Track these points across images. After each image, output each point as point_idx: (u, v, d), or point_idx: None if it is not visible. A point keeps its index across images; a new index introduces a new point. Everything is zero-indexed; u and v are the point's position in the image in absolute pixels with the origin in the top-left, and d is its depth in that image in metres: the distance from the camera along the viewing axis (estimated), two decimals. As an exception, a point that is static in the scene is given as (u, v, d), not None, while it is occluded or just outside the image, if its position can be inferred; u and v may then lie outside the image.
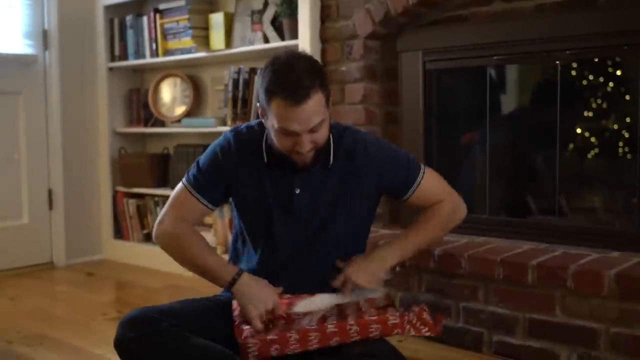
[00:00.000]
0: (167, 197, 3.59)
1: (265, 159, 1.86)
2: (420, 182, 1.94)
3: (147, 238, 3.73)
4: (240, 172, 1.88)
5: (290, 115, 1.68)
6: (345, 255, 1.95)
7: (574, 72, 2.51)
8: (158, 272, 3.43)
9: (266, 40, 3.16)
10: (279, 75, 1.69)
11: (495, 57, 2.57)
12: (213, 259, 1.86)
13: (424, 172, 1.96)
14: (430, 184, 1.98)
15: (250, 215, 1.92)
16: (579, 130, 2.54)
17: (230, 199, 1.98)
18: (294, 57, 1.75)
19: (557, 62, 2.44)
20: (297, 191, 1.85)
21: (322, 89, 1.71)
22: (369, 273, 1.87)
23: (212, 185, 1.89)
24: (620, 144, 2.48)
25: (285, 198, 1.86)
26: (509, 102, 2.78)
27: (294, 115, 1.68)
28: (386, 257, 1.93)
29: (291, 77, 1.67)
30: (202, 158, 1.91)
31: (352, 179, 1.89)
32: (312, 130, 1.72)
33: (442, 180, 2.05)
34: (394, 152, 1.99)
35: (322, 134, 1.76)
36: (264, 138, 1.86)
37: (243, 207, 1.92)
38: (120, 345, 1.73)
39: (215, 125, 3.37)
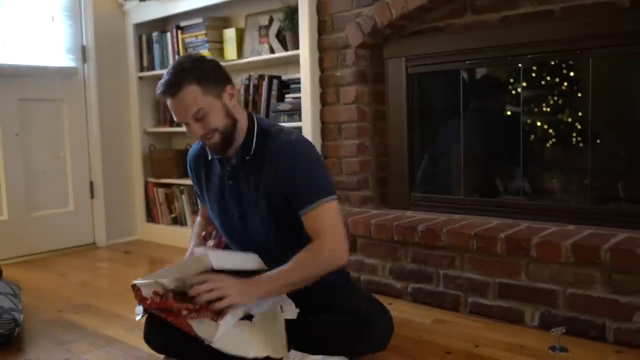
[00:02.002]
0: (190, 186, 3.63)
1: (209, 157, 1.90)
2: (315, 208, 1.70)
3: (175, 221, 3.74)
4: (199, 174, 1.96)
5: (171, 107, 1.72)
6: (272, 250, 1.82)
7: (534, 74, 2.51)
8: (184, 249, 3.43)
9: (272, 51, 3.15)
10: (164, 75, 1.72)
11: (467, 62, 2.56)
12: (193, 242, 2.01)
13: (326, 202, 1.71)
14: (324, 216, 1.71)
15: (211, 207, 1.96)
16: (539, 123, 2.54)
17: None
18: (178, 59, 1.77)
19: (520, 65, 2.44)
20: (230, 182, 1.84)
21: (197, 82, 1.67)
22: (240, 292, 1.64)
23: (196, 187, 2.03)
24: (574, 134, 2.48)
25: (223, 189, 1.87)
26: (479, 100, 2.78)
27: (173, 107, 1.71)
28: (259, 288, 1.67)
29: (166, 75, 1.70)
30: None
31: (257, 175, 1.78)
32: (197, 119, 1.70)
33: (338, 221, 1.73)
34: (307, 168, 1.76)
35: (213, 121, 1.71)
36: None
37: (208, 200, 1.97)
38: (148, 338, 1.79)
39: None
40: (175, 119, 1.73)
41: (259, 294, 1.66)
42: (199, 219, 2.13)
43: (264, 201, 1.78)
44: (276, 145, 1.77)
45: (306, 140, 1.84)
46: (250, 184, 1.80)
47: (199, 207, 2.13)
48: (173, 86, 1.68)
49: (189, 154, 2.00)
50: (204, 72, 1.71)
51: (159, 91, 1.72)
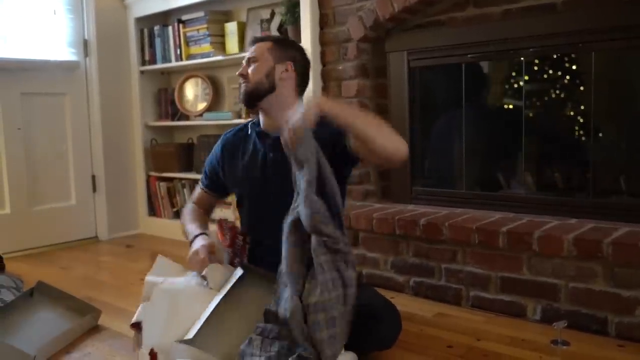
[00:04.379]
0: (192, 180, 3.62)
1: (249, 131, 2.03)
2: None
3: (176, 215, 3.73)
4: (231, 155, 2.03)
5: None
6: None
7: (536, 67, 2.50)
8: (185, 243, 3.42)
9: (274, 44, 3.14)
10: None
11: (469, 56, 2.55)
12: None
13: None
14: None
15: (241, 185, 2.02)
16: (540, 117, 2.52)
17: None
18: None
19: (522, 58, 2.43)
20: (271, 154, 1.93)
21: (271, 42, 1.94)
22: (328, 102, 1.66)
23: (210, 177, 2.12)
24: (576, 128, 2.47)
25: (265, 163, 1.95)
26: (481, 94, 2.77)
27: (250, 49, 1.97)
28: (344, 107, 1.74)
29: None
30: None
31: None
32: (249, 61, 1.92)
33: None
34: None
35: (253, 70, 1.90)
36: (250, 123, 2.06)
37: (236, 181, 2.03)
38: None
39: (232, 118, 3.36)
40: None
41: (346, 109, 1.69)
42: (191, 205, 2.17)
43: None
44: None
45: None
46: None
47: (197, 193, 2.19)
48: (260, 38, 1.99)
49: (225, 135, 2.11)
50: (285, 44, 1.98)
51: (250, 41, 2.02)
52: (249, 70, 1.91)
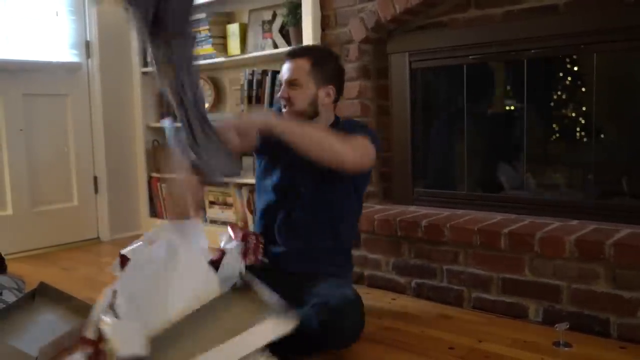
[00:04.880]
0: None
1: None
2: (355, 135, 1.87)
3: (178, 216, 3.73)
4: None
5: (283, 66, 1.96)
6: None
7: (538, 69, 2.49)
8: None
9: (275, 46, 3.14)
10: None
11: (470, 57, 2.55)
12: None
13: (365, 136, 1.89)
14: (360, 138, 1.87)
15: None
16: (542, 118, 2.52)
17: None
18: (318, 46, 2.10)
19: (524, 60, 2.43)
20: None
21: (312, 62, 1.91)
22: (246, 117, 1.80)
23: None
24: (577, 129, 2.47)
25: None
26: (482, 95, 2.77)
27: (285, 65, 1.95)
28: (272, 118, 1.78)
29: (295, 47, 2.07)
30: None
31: None
32: (290, 85, 1.92)
33: (370, 149, 1.88)
34: (362, 125, 2.13)
35: (297, 97, 1.91)
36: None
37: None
38: None
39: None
40: (280, 74, 1.97)
41: (280, 123, 1.74)
42: None
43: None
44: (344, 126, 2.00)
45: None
46: None
47: None
48: (296, 53, 1.96)
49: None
50: (323, 60, 1.96)
51: (286, 53, 1.99)
52: (291, 97, 1.92)
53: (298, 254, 1.96)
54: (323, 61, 1.95)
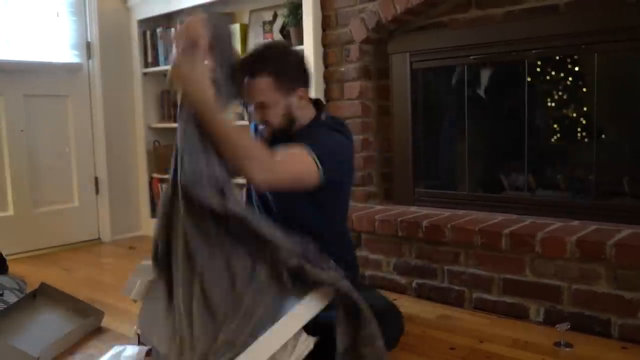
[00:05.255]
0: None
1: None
2: (294, 147, 1.73)
3: (179, 216, 3.73)
4: None
5: (245, 85, 1.77)
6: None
7: (538, 69, 2.49)
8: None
9: (276, 46, 3.14)
10: (248, 52, 1.83)
11: (471, 57, 2.55)
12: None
13: (305, 150, 1.71)
14: (293, 152, 1.71)
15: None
16: (543, 119, 2.52)
17: None
18: (267, 43, 1.86)
19: (525, 60, 2.43)
20: None
21: (274, 75, 1.75)
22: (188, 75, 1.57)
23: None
24: (578, 129, 2.47)
25: None
26: (483, 96, 2.77)
27: (247, 86, 1.77)
28: (204, 94, 1.58)
29: (250, 56, 1.80)
30: None
31: None
32: (258, 107, 1.79)
33: (295, 167, 1.71)
34: (326, 137, 1.83)
35: (270, 116, 1.80)
36: None
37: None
38: None
39: (234, 120, 3.36)
40: (244, 97, 1.81)
41: (198, 95, 1.57)
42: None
43: None
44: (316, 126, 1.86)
45: (348, 137, 1.91)
46: None
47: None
48: (251, 69, 1.77)
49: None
50: (284, 67, 1.79)
51: (239, 67, 1.76)
52: (264, 118, 1.82)
53: None
54: (284, 68, 1.79)
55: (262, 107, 1.79)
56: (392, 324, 1.74)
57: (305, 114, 1.88)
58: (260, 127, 1.91)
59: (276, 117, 1.81)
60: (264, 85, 1.76)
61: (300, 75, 1.85)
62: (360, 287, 1.90)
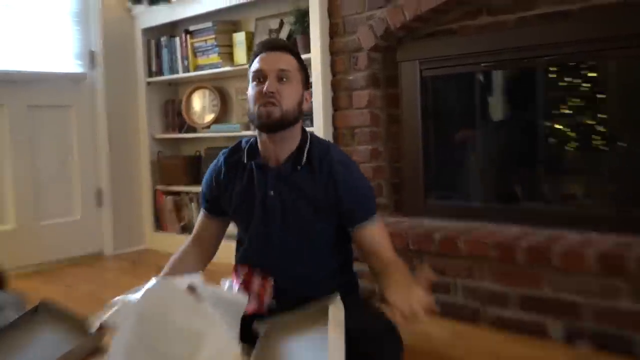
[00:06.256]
0: (199, 193, 3.55)
1: (245, 159, 1.77)
2: (371, 222, 1.71)
3: (184, 229, 3.69)
4: (227, 178, 1.79)
5: (262, 58, 1.66)
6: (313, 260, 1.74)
7: (553, 76, 2.45)
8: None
9: (282, 55, 3.10)
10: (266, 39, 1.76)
11: (482, 64, 2.51)
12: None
13: (375, 217, 1.73)
14: (381, 233, 1.72)
15: (237, 216, 1.82)
16: (558, 127, 2.47)
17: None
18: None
19: (537, 67, 2.38)
20: (271, 193, 1.71)
21: (296, 59, 1.68)
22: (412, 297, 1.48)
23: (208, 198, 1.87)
24: (595, 137, 2.41)
25: (264, 199, 1.72)
26: (495, 104, 2.72)
27: (266, 57, 1.65)
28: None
29: (273, 38, 1.75)
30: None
31: (309, 185, 1.69)
32: (279, 78, 1.63)
33: (389, 240, 1.75)
34: (365, 186, 1.78)
35: (287, 92, 1.63)
36: (247, 143, 1.79)
37: (232, 209, 1.81)
38: None
39: (240, 130, 3.32)
40: (260, 66, 1.65)
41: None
42: (182, 249, 1.93)
43: (309, 209, 1.69)
44: (334, 157, 1.70)
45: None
46: (296, 194, 1.70)
47: (199, 223, 1.93)
48: (278, 44, 1.69)
49: (223, 155, 1.84)
50: (303, 62, 1.72)
51: (258, 47, 1.69)
52: (280, 92, 1.62)
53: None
54: (303, 63, 1.72)
55: (283, 78, 1.63)
56: (390, 347, 1.63)
57: (299, 124, 1.74)
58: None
59: (292, 98, 1.64)
60: (290, 59, 1.66)
61: (308, 79, 1.78)
62: (360, 302, 1.85)
